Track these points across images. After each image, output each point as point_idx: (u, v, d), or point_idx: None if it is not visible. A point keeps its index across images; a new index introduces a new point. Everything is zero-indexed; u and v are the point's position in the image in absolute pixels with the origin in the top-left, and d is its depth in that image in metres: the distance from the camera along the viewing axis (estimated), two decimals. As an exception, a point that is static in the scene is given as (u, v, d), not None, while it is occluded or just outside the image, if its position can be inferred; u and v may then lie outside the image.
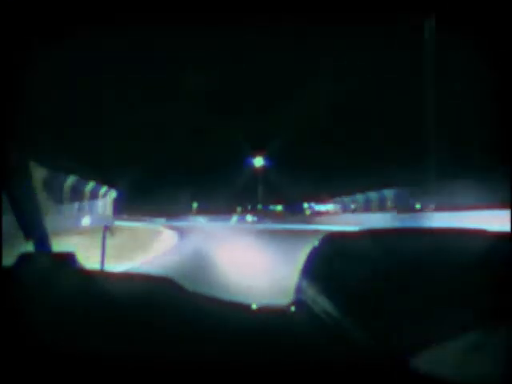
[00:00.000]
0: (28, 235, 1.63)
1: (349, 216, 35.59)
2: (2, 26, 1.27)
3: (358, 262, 0.94)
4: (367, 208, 37.39)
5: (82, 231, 19.32)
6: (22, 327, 0.78)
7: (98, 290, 0.97)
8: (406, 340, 0.72)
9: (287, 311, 0.96)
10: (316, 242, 1.06)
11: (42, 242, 1.65)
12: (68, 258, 1.42)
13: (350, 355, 0.74)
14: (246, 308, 0.97)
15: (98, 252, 2.26)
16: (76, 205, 26.46)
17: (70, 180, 24.55)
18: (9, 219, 1.56)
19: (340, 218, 35.39)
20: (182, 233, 22.92)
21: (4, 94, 1.43)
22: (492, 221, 5.44)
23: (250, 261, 9.85)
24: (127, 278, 1.11)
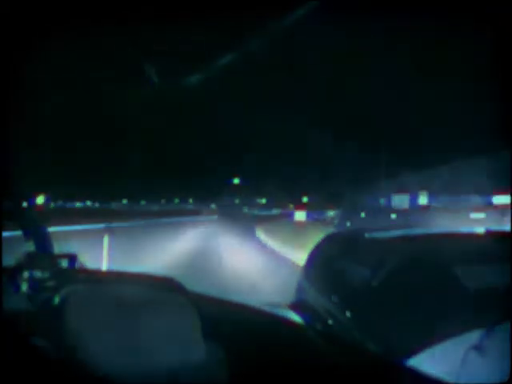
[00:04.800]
0: (29, 236, 1.63)
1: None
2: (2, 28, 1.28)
3: (359, 262, 0.94)
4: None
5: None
6: (23, 328, 0.78)
7: (99, 290, 0.97)
8: (406, 340, 0.72)
9: (289, 311, 0.96)
10: (317, 243, 1.06)
11: (43, 242, 1.65)
12: (69, 258, 1.42)
13: (350, 355, 0.74)
14: (247, 308, 0.97)
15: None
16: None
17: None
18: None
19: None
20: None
21: (5, 102, 1.44)
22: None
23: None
24: (129, 277, 1.11)
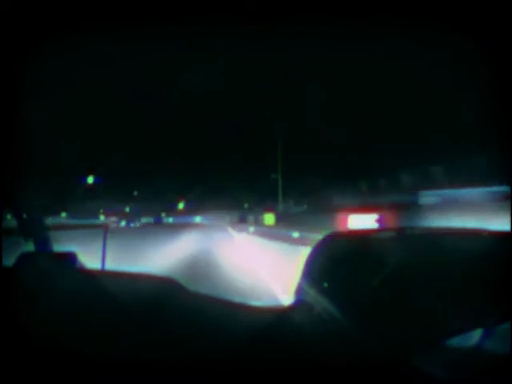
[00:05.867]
0: (28, 235, 1.63)
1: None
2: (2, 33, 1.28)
3: (359, 262, 0.94)
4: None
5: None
6: (23, 327, 0.78)
7: (99, 290, 0.97)
8: (407, 339, 0.72)
9: (288, 311, 0.96)
10: (317, 243, 1.06)
11: (43, 242, 1.65)
12: (68, 258, 1.42)
13: (350, 355, 0.74)
14: (246, 308, 0.97)
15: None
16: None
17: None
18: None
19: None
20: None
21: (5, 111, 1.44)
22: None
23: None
24: (128, 277, 1.11)
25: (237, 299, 0.99)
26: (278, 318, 0.93)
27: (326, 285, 0.93)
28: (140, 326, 0.81)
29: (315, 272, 1.01)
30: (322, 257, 1.04)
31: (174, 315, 0.86)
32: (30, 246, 1.60)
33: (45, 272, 1.17)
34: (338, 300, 0.85)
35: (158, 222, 45.05)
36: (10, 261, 1.32)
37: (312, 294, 0.95)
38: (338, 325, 0.81)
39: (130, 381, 0.69)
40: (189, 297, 0.94)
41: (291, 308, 0.98)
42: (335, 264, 0.98)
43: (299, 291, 1.02)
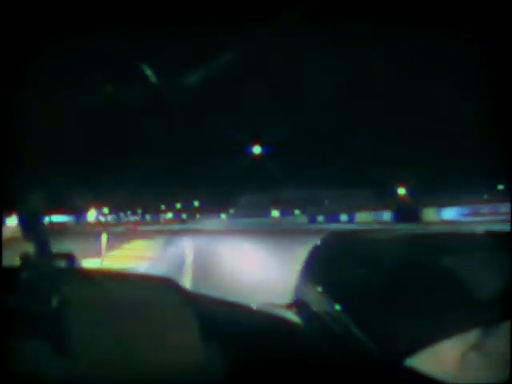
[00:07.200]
0: (27, 235, 1.63)
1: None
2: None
3: (358, 262, 0.94)
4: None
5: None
6: (22, 327, 0.77)
7: (97, 291, 0.96)
8: (406, 340, 0.72)
9: (287, 311, 0.96)
10: (316, 242, 1.06)
11: (42, 242, 1.64)
12: (67, 258, 1.42)
13: (350, 355, 0.74)
14: (246, 308, 0.97)
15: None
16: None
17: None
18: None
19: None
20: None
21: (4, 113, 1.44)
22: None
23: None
24: (126, 278, 1.11)
25: (236, 299, 0.98)
26: (276, 318, 0.93)
27: (324, 285, 0.93)
28: (138, 326, 0.81)
29: (314, 272, 1.01)
30: (321, 256, 1.04)
31: (171, 315, 0.86)
32: (29, 247, 1.60)
33: (43, 272, 1.17)
34: (336, 300, 0.85)
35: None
36: (9, 261, 1.32)
37: (310, 294, 0.95)
38: (336, 325, 0.80)
39: (129, 381, 0.69)
40: (187, 298, 0.94)
41: (290, 308, 0.98)
42: (334, 264, 0.98)
43: (298, 291, 1.02)
